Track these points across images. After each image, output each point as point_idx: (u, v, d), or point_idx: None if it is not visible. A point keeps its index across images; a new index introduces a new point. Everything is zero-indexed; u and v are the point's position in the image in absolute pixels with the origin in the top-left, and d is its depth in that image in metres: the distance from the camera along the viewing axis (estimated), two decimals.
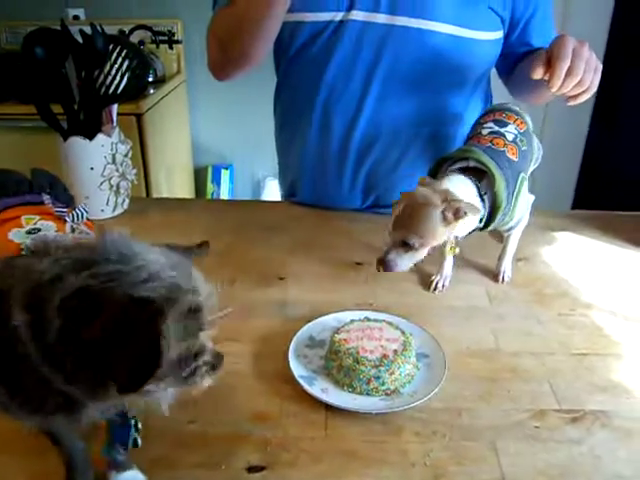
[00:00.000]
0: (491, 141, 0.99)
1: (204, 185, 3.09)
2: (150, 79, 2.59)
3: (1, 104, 2.27)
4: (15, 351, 0.45)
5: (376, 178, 1.28)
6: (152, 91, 2.51)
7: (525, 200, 1.02)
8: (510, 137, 1.01)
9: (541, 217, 1.32)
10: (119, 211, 1.31)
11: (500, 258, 1.09)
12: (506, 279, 1.09)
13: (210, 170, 3.07)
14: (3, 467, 0.70)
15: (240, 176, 3.16)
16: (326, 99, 1.22)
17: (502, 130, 1.02)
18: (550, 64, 0.94)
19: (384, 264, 0.91)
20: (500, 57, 1.25)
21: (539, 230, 1.28)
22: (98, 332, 0.42)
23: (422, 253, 0.91)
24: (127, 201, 1.33)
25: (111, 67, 1.17)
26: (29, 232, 0.60)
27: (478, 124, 1.08)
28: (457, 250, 1.04)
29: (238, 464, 0.72)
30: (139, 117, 2.29)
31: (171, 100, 2.70)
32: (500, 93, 1.36)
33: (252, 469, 0.71)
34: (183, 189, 2.95)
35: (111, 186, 1.26)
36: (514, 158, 0.99)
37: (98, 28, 1.12)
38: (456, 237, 0.98)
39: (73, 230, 0.62)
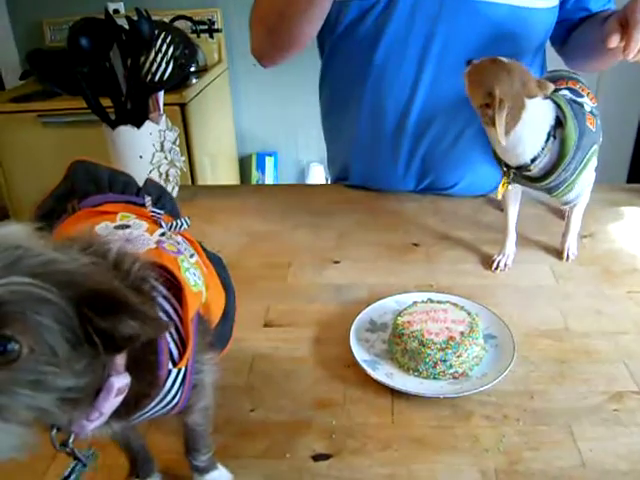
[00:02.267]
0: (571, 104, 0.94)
1: (249, 173, 3.08)
2: (192, 69, 2.59)
3: (49, 100, 2.29)
4: None
5: (432, 160, 1.24)
6: (195, 80, 2.50)
7: (590, 175, 0.97)
8: (587, 108, 0.96)
9: (602, 192, 1.26)
10: None
11: (564, 235, 1.05)
12: (571, 256, 1.04)
13: (254, 158, 3.06)
14: None
15: (284, 163, 3.14)
16: (377, 81, 1.17)
17: (579, 100, 0.97)
18: (626, 31, 0.88)
19: None
20: (555, 25, 1.19)
21: (602, 205, 1.22)
22: None
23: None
24: (177, 189, 1.32)
25: (157, 54, 1.15)
26: (118, 227, 0.58)
27: None
28: (509, 187, 0.99)
29: (303, 452, 0.70)
30: (183, 107, 2.29)
31: (214, 89, 2.69)
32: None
33: (318, 457, 0.69)
34: (228, 177, 2.94)
35: (160, 174, 1.25)
36: (592, 128, 0.94)
37: (144, 13, 1.10)
38: (510, 170, 0.95)
39: (163, 234, 0.59)
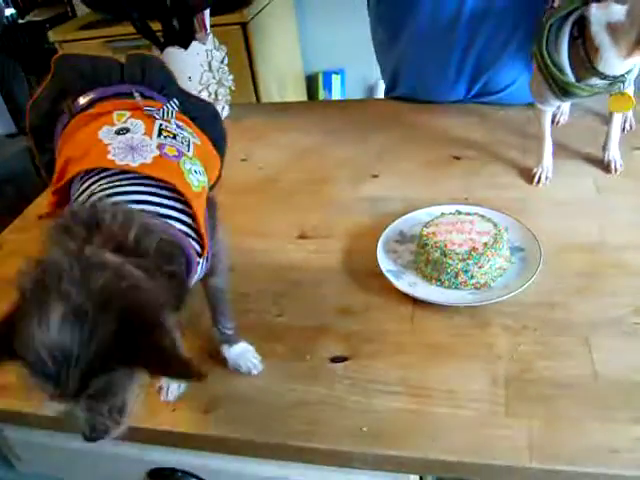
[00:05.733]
0: None
1: (316, 92, 3.05)
2: None
3: (115, 25, 2.31)
4: None
5: (486, 59, 1.19)
6: None
7: None
8: None
9: None
10: None
11: (605, 144, 1.00)
12: (618, 168, 0.99)
13: (321, 76, 3.02)
14: None
15: (352, 81, 3.08)
16: None
17: None
18: None
19: None
20: None
21: None
22: None
23: None
24: (227, 107, 1.34)
25: None
26: (118, 132, 0.61)
27: None
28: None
29: (322, 355, 0.74)
30: (244, 26, 2.27)
31: (277, 6, 2.64)
32: None
33: (335, 359, 0.73)
34: (295, 96, 2.92)
35: (209, 93, 1.27)
36: None
37: None
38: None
39: (160, 133, 0.63)
